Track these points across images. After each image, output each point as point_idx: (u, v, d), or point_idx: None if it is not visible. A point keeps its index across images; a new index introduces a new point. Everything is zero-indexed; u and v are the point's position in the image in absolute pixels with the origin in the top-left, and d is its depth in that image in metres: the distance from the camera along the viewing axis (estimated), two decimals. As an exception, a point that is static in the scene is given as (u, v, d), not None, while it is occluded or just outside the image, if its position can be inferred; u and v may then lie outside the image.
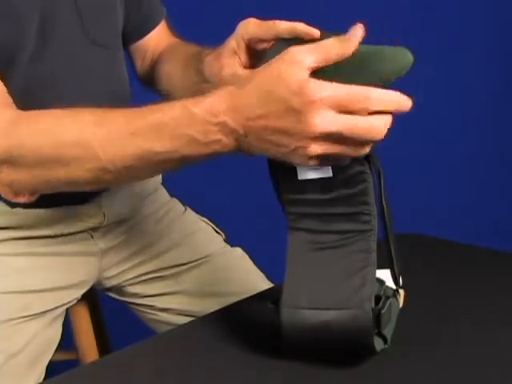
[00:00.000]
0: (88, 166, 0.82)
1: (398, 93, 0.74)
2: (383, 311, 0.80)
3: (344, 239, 0.81)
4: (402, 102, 0.73)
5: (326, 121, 0.71)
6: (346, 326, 0.78)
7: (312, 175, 0.81)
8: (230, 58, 0.90)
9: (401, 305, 0.89)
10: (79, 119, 0.83)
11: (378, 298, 0.81)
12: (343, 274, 0.80)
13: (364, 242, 0.81)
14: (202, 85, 0.98)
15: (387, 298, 0.82)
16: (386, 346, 0.81)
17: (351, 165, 0.80)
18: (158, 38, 1.18)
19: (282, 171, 0.82)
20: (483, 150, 2.29)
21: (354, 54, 0.76)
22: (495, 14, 2.22)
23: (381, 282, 0.84)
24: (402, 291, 0.89)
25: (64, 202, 0.98)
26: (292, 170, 0.81)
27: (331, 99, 0.71)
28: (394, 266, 0.83)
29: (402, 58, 0.76)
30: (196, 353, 0.86)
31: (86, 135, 0.81)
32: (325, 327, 0.78)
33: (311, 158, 0.74)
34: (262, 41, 0.87)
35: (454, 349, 0.85)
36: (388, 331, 0.82)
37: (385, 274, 0.85)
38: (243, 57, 0.90)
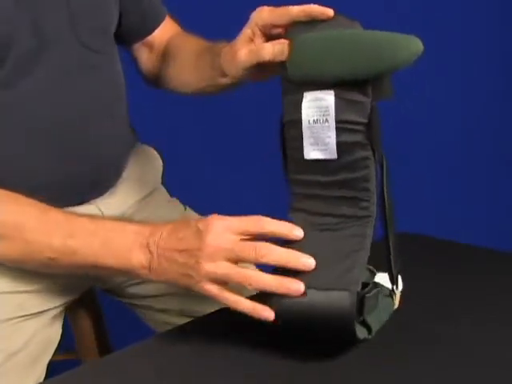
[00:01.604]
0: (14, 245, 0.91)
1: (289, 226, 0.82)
2: (368, 295, 0.80)
3: (341, 223, 0.83)
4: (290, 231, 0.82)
5: (214, 265, 0.81)
6: (329, 307, 0.78)
7: (317, 155, 0.83)
8: (246, 46, 0.92)
9: (396, 305, 0.88)
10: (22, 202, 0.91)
11: (366, 285, 0.81)
12: (335, 256, 0.81)
13: (360, 227, 0.82)
14: (218, 79, 1.01)
15: (376, 286, 0.83)
16: (370, 336, 0.82)
17: (356, 149, 0.82)
18: (163, 31, 1.19)
19: (290, 151, 0.85)
20: (483, 149, 2.28)
21: (367, 39, 0.80)
22: (495, 12, 2.22)
23: (371, 271, 0.84)
24: (398, 292, 0.89)
25: (62, 202, 0.98)
26: (299, 150, 0.84)
27: (225, 250, 0.81)
28: (392, 262, 0.84)
29: (414, 45, 0.79)
30: (196, 353, 0.86)
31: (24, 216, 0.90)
32: (310, 307, 0.78)
33: (200, 288, 0.83)
34: (277, 26, 0.89)
35: (453, 348, 0.84)
36: (373, 321, 0.82)
37: (383, 278, 0.85)
38: (260, 43, 0.92)
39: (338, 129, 0.83)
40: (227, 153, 2.08)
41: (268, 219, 0.81)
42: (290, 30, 0.88)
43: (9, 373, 0.98)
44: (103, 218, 0.92)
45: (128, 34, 1.16)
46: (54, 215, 0.90)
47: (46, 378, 1.04)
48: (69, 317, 1.17)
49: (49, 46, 0.96)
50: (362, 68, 0.81)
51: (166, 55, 1.16)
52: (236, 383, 0.80)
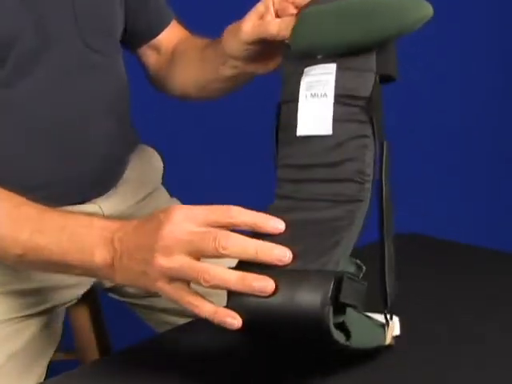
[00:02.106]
0: None
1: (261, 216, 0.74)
2: (348, 279, 0.71)
3: (329, 207, 0.76)
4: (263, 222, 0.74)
5: (169, 259, 0.72)
6: (298, 303, 0.70)
7: (311, 131, 0.79)
8: (253, 21, 0.91)
9: (388, 341, 0.80)
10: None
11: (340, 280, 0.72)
12: (313, 238, 0.74)
13: (349, 212, 0.75)
14: (220, 69, 1.00)
15: (360, 278, 0.75)
16: (349, 343, 0.73)
17: (353, 126, 0.77)
18: (171, 34, 1.19)
19: (282, 132, 0.81)
20: (482, 149, 2.29)
21: (372, 3, 0.78)
22: (494, 10, 2.23)
23: (358, 266, 0.76)
24: (393, 325, 0.80)
25: (62, 201, 0.98)
26: (293, 128, 0.79)
27: (182, 243, 0.72)
28: (386, 274, 0.77)
29: (424, 7, 0.78)
30: (196, 353, 0.86)
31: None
32: (275, 306, 0.70)
33: (157, 288, 0.75)
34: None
35: (453, 349, 0.84)
36: (352, 326, 0.73)
37: (379, 317, 0.79)
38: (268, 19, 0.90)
39: (336, 103, 0.78)
40: (227, 153, 2.08)
41: (239, 208, 0.73)
42: (301, 9, 0.86)
43: (9, 373, 0.98)
44: (78, 213, 0.87)
45: (134, 37, 1.16)
46: (26, 210, 0.86)
47: (46, 377, 1.04)
48: (69, 316, 1.16)
49: (51, 46, 0.96)
50: (368, 31, 0.78)
51: (173, 58, 1.16)
52: (236, 383, 0.80)
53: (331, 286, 0.70)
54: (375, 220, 0.78)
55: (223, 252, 0.70)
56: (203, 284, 0.71)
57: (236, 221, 0.73)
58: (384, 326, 0.79)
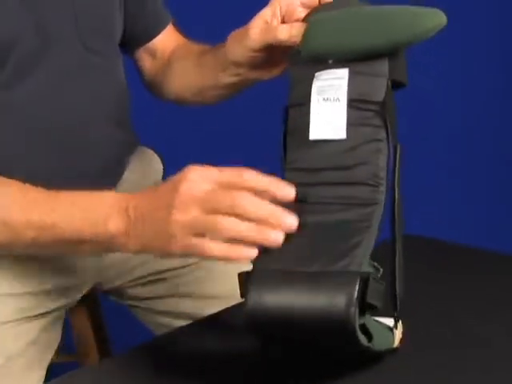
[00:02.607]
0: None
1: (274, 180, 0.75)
2: (373, 278, 0.72)
3: (343, 210, 0.76)
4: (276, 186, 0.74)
5: (185, 213, 0.74)
6: (324, 291, 0.70)
7: (324, 135, 0.78)
8: (260, 26, 0.90)
9: (396, 343, 0.80)
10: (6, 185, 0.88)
11: (366, 281, 0.72)
12: (332, 240, 0.74)
13: (365, 215, 0.75)
14: (219, 75, 1.00)
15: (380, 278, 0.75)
16: (371, 344, 0.74)
17: (367, 131, 0.77)
18: (167, 39, 1.19)
19: (293, 136, 0.81)
20: (483, 150, 2.29)
21: (386, 11, 0.79)
22: (495, 10, 2.23)
23: (376, 268, 0.76)
24: (399, 328, 0.81)
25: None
26: (305, 131, 0.79)
27: (198, 199, 0.74)
28: (396, 277, 0.77)
29: (437, 16, 0.78)
30: (196, 355, 0.86)
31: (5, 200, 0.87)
32: (298, 294, 0.71)
33: (174, 245, 0.76)
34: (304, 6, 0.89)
35: (458, 353, 0.84)
36: (372, 327, 0.74)
37: (387, 321, 0.79)
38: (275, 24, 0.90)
39: (349, 108, 0.78)
40: (227, 155, 2.07)
41: (253, 172, 0.74)
42: (308, 15, 0.86)
43: (8, 375, 0.98)
44: (87, 191, 0.87)
45: (131, 40, 1.15)
46: (34, 194, 0.87)
47: (46, 379, 1.03)
48: (69, 319, 1.16)
49: (51, 47, 0.96)
50: (381, 37, 0.78)
51: (169, 64, 1.16)
52: (236, 385, 0.80)
53: (357, 287, 0.70)
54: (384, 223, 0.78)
55: (238, 211, 0.72)
56: (218, 235, 0.72)
57: (249, 184, 0.74)
58: (392, 329, 0.79)
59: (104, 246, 0.83)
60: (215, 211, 0.73)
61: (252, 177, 0.74)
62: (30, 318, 1.02)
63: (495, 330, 0.88)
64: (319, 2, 0.88)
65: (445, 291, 1.00)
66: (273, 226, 0.73)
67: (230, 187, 0.74)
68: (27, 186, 0.88)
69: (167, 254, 0.78)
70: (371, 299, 0.72)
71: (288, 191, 0.74)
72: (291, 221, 0.73)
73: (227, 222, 0.72)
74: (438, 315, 0.92)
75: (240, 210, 0.72)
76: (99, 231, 0.81)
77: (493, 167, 2.30)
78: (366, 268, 0.74)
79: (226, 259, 0.74)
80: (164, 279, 1.14)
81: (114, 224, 0.80)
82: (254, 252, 0.72)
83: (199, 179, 0.75)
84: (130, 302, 1.17)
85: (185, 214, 0.74)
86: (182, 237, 0.75)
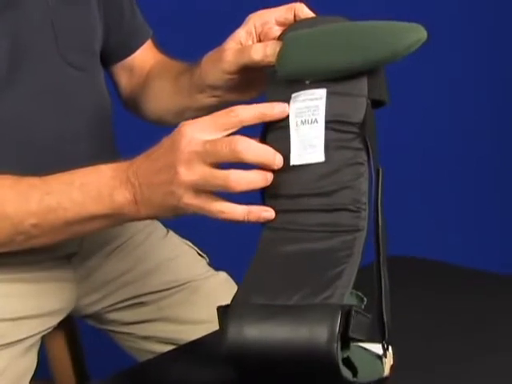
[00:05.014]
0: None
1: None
2: (356, 312, 0.70)
3: (325, 238, 0.75)
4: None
5: (191, 172, 0.76)
6: (305, 325, 0.69)
7: (305, 160, 0.77)
8: (234, 48, 0.90)
9: (386, 372, 0.79)
10: None
11: (348, 314, 0.70)
12: (314, 271, 0.73)
13: (347, 242, 0.74)
14: (196, 96, 0.99)
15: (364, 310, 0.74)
16: (356, 379, 0.72)
17: (347, 153, 0.76)
18: (145, 55, 1.17)
19: None
20: (474, 170, 2.32)
21: (363, 27, 0.78)
22: (495, 10, 2.27)
23: (360, 298, 0.77)
24: (389, 356, 0.79)
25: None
26: (285, 157, 0.78)
27: (198, 153, 0.76)
28: (383, 303, 0.75)
29: (417, 31, 0.76)
30: (180, 381, 0.85)
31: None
32: (279, 329, 0.69)
33: (185, 205, 0.78)
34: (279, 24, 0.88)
35: (453, 374, 0.83)
36: (357, 361, 0.73)
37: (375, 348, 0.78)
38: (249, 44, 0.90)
39: (327, 129, 0.77)
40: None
41: (242, 106, 0.77)
42: (284, 33, 0.85)
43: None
44: (80, 168, 0.86)
45: (108, 53, 1.14)
46: (28, 181, 0.86)
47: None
48: (45, 345, 1.14)
49: (29, 64, 0.95)
50: (359, 55, 0.77)
51: (146, 82, 1.14)
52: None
53: (338, 321, 0.69)
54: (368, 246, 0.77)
55: (238, 156, 0.74)
56: (229, 189, 0.75)
57: (243, 117, 0.76)
58: (381, 357, 0.78)
59: (114, 218, 0.84)
60: (218, 161, 0.75)
61: (243, 110, 0.76)
62: (4, 345, 0.99)
63: (493, 357, 0.87)
64: (295, 19, 0.87)
65: (435, 313, 0.99)
66: (269, 165, 0.76)
67: (227, 128, 0.76)
68: (18, 177, 0.87)
69: (180, 214, 0.80)
70: (355, 333, 0.70)
71: (281, 108, 0.78)
72: (279, 159, 0.76)
73: (235, 174, 0.75)
74: (430, 340, 0.91)
75: (240, 156, 0.74)
76: (105, 206, 0.82)
77: (485, 185, 2.33)
78: (349, 300, 0.73)
79: (245, 220, 0.76)
80: (145, 303, 1.12)
81: (121, 194, 0.81)
82: (271, 214, 0.77)
83: (195, 132, 0.76)
84: (109, 327, 1.15)
85: (191, 173, 0.76)
86: (192, 196, 0.76)
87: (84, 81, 1.02)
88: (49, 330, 1.08)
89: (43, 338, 1.09)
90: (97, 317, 1.13)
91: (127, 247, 1.12)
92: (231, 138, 0.75)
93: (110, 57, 1.14)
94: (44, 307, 1.03)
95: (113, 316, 1.13)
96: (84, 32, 1.03)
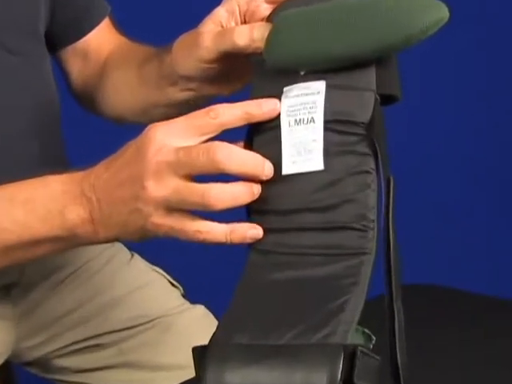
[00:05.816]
0: None
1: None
2: (362, 354, 0.64)
3: (326, 263, 0.70)
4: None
5: (161, 186, 0.70)
6: (301, 370, 0.64)
7: (299, 168, 0.72)
8: (213, 31, 0.82)
9: None
10: None
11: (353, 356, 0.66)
12: (311, 300, 0.69)
13: (352, 268, 0.69)
14: (167, 90, 0.92)
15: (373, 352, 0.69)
16: None
17: (351, 160, 0.70)
18: (101, 37, 1.09)
19: None
20: (479, 190, 2.28)
21: (370, 4, 0.71)
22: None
23: (368, 336, 0.70)
24: None
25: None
26: (275, 165, 0.72)
27: (169, 164, 0.70)
28: (396, 343, 0.69)
29: (436, 9, 0.68)
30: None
31: None
32: (267, 375, 0.64)
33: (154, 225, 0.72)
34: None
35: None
36: None
37: None
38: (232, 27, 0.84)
39: (327, 131, 0.71)
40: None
41: (223, 104, 0.70)
42: (274, 12, 0.78)
43: None
44: (24, 180, 0.81)
45: (56, 35, 1.05)
46: None
47: None
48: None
49: None
50: (366, 40, 0.70)
51: (104, 72, 1.06)
52: None
53: (341, 365, 0.63)
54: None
55: (218, 166, 0.68)
56: (208, 208, 0.69)
57: (224, 118, 0.70)
58: None
59: (66, 242, 0.78)
60: (193, 172, 0.69)
61: (223, 110, 0.70)
62: None
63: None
64: None
65: (461, 352, 0.93)
66: (257, 176, 0.71)
67: (204, 132, 0.70)
68: None
69: (147, 237, 0.74)
70: (361, 379, 0.65)
71: (270, 106, 0.71)
72: (269, 168, 0.70)
73: (215, 191, 0.68)
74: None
75: (220, 166, 0.68)
76: (55, 226, 0.76)
77: (492, 217, 2.31)
78: (354, 338, 0.67)
79: (227, 241, 0.71)
80: (104, 345, 1.04)
81: (74, 211, 0.74)
82: (259, 232, 0.70)
83: (165, 136, 0.70)
84: (57, 376, 1.07)
85: (161, 187, 0.69)
86: (162, 215, 0.70)
87: (23, 68, 0.96)
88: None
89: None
90: (41, 363, 1.06)
91: (81, 275, 1.05)
92: (209, 144, 0.69)
93: (57, 39, 1.06)
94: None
95: (62, 362, 1.05)
96: (25, 12, 0.97)
